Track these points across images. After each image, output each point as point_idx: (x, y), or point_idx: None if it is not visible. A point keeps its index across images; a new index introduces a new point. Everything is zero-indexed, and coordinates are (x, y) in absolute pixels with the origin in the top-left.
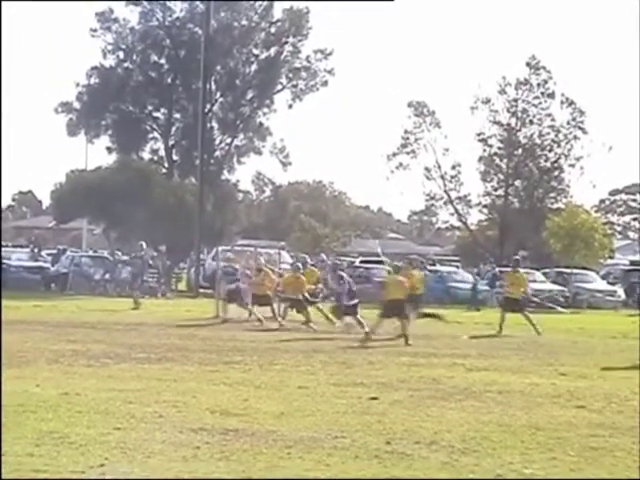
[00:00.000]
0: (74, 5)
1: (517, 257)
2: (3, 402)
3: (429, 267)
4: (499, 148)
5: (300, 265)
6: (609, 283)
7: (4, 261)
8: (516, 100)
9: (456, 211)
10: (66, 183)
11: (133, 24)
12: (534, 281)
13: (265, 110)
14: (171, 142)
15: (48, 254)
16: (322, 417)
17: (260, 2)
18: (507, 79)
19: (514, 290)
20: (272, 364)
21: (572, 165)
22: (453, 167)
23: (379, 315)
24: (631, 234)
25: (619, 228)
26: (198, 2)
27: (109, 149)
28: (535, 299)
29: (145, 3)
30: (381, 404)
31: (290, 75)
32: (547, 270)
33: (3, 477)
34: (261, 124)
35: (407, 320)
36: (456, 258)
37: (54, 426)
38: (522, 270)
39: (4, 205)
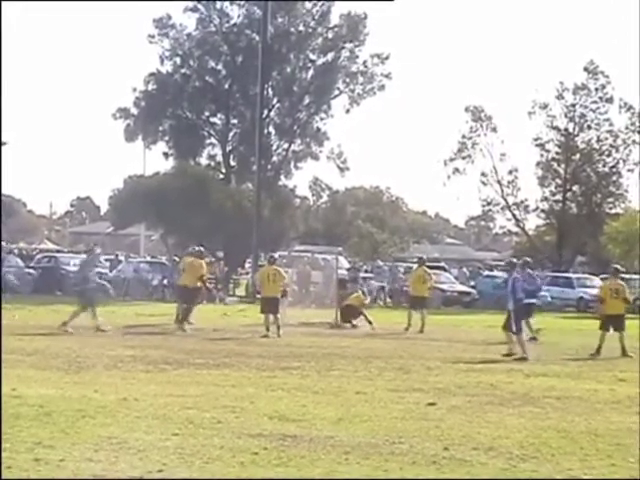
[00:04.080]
0: (132, 11)
1: (422, 257)
2: (62, 407)
3: (487, 273)
4: (557, 153)
5: (201, 249)
6: None
7: (63, 267)
8: (574, 105)
9: (513, 216)
10: (124, 189)
11: (190, 30)
12: (592, 287)
13: (322, 115)
14: (228, 148)
15: (106, 260)
16: (380, 423)
17: (317, 8)
18: (565, 84)
19: (419, 287)
20: (330, 370)
21: (631, 170)
22: (510, 172)
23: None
24: None
25: None
26: (255, 8)
27: (166, 155)
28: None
29: (202, 9)
30: (439, 410)
31: (347, 80)
32: (606, 275)
33: (3, 477)
34: (318, 129)
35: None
36: None
37: (113, 431)
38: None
39: (62, 211)
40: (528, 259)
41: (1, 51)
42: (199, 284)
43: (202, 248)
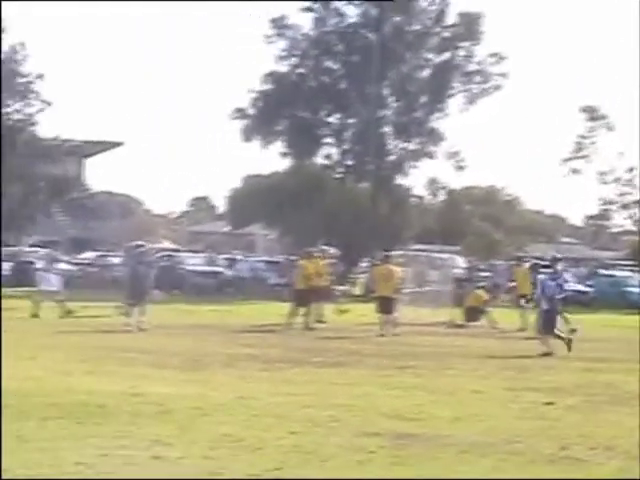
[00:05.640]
0: (249, 12)
1: (522, 255)
2: (180, 405)
3: (603, 271)
4: None
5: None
6: None
7: (181, 266)
8: None
9: (631, 216)
10: (241, 188)
11: (307, 30)
12: None
13: (438, 114)
14: (344, 147)
15: (224, 259)
16: (496, 422)
17: (433, 7)
18: None
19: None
20: (446, 369)
21: None
22: (630, 170)
23: None
24: None
25: None
26: (371, 8)
27: (283, 154)
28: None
29: (319, 9)
30: (556, 409)
31: (463, 79)
32: None
33: (3, 477)
34: (434, 128)
35: None
36: (630, 262)
37: (230, 429)
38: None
39: (180, 211)
40: (558, 255)
41: (1, 51)
42: (305, 285)
43: (314, 248)
